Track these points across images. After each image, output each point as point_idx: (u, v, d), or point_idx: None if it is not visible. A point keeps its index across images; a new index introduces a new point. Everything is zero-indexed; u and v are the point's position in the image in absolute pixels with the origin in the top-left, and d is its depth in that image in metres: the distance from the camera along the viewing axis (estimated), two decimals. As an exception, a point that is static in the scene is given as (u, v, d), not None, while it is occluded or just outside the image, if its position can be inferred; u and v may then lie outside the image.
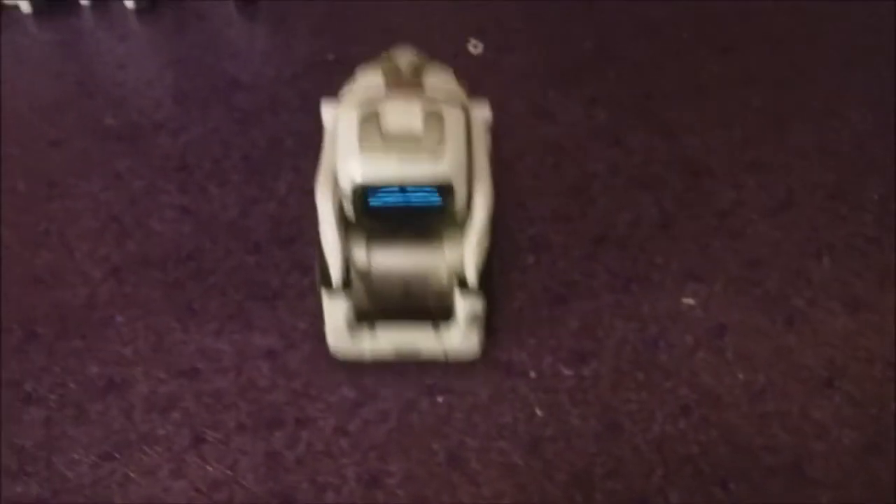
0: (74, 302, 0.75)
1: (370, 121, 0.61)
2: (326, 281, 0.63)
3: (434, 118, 0.61)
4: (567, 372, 0.68)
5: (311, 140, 0.88)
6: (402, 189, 0.60)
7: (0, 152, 0.88)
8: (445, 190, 0.60)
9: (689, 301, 0.73)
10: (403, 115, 0.62)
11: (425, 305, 0.66)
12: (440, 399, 0.66)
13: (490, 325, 0.67)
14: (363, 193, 0.61)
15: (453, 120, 0.62)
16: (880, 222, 0.79)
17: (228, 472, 0.63)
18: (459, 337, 0.66)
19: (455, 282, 0.64)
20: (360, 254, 0.65)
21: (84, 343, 0.71)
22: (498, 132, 0.72)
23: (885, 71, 0.96)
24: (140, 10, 1.07)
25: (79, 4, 1.08)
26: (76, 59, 1.03)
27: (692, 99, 0.93)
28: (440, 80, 0.66)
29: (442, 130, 0.60)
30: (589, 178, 0.84)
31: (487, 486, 0.61)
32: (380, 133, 0.60)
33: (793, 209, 0.81)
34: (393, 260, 0.65)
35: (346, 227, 0.63)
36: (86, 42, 1.05)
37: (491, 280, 0.64)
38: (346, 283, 0.64)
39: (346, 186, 0.61)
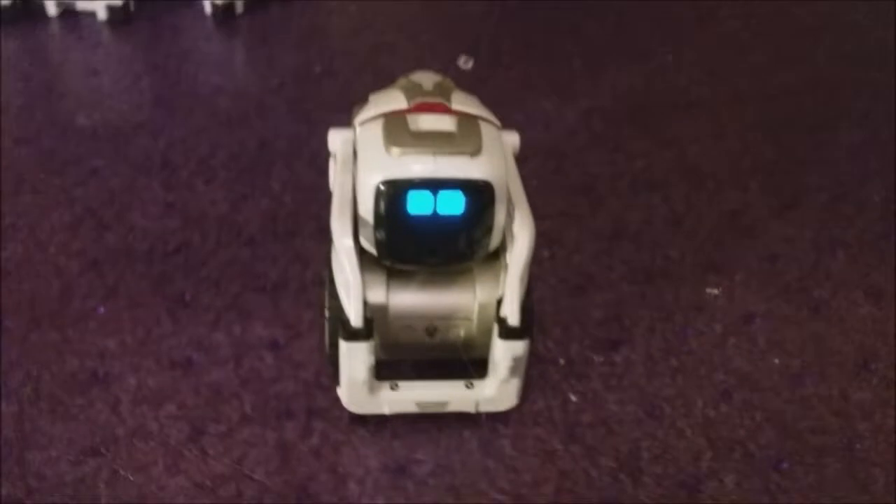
0: (48, 294, 0.67)
1: (397, 123, 0.54)
2: (344, 328, 0.53)
3: (468, 122, 0.54)
4: (598, 359, 0.64)
5: (304, 142, 0.85)
6: (434, 193, 0.51)
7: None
8: (481, 196, 0.52)
9: (714, 291, 0.70)
10: (433, 119, 0.54)
11: (451, 353, 0.58)
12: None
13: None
14: (390, 199, 0.51)
15: (489, 130, 0.55)
16: (885, 220, 0.79)
17: (236, 465, 0.56)
18: (495, 386, 0.57)
19: (493, 324, 0.56)
20: (377, 293, 0.55)
21: (60, 335, 0.64)
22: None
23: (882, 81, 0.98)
24: (113, 22, 1.02)
25: (46, 17, 1.03)
26: (45, 65, 0.97)
27: (685, 114, 0.93)
28: (468, 101, 0.58)
29: (479, 135, 0.53)
30: (593, 179, 0.83)
31: (528, 473, 0.56)
32: (409, 131, 0.53)
33: (799, 209, 0.80)
34: (416, 295, 0.56)
35: (362, 264, 0.54)
36: (55, 50, 1.00)
37: (531, 322, 0.55)
38: (368, 331, 0.54)
39: (369, 200, 0.52)
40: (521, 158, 0.65)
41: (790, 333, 0.67)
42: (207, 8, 1.05)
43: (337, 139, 0.63)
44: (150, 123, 0.87)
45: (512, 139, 0.62)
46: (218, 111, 0.89)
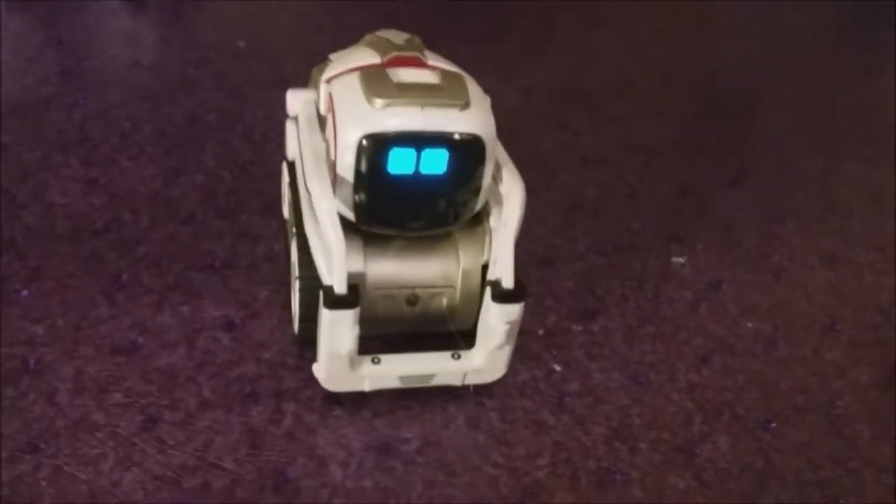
0: (-42, 279, 0.59)
1: (378, 75, 0.49)
2: (327, 295, 0.48)
3: (453, 76, 0.50)
4: (576, 328, 0.61)
5: (236, 117, 0.79)
6: (418, 150, 0.47)
7: None
8: (472, 150, 0.49)
9: (679, 260, 0.69)
10: (415, 72, 0.50)
11: (433, 325, 0.54)
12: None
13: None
14: (373, 155, 0.47)
15: (474, 86, 0.51)
16: (826, 191, 0.81)
17: (199, 454, 0.50)
18: (485, 356, 0.53)
19: (483, 290, 0.52)
20: (354, 261, 0.50)
21: (-24, 323, 0.56)
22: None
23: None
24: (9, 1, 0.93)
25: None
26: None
27: (624, 94, 0.93)
28: (441, 59, 0.54)
29: (466, 88, 0.49)
30: (545, 155, 0.81)
31: (521, 446, 0.52)
32: (392, 83, 0.48)
33: (746, 182, 0.81)
34: (395, 267, 0.52)
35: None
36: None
37: (523, 285, 0.52)
38: (354, 298, 0.48)
39: (349, 156, 0.47)
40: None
41: (757, 298, 0.67)
42: (113, -18, 0.97)
43: (297, 100, 0.58)
44: (60, 97, 0.78)
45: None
46: (137, 85, 0.82)
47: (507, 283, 0.50)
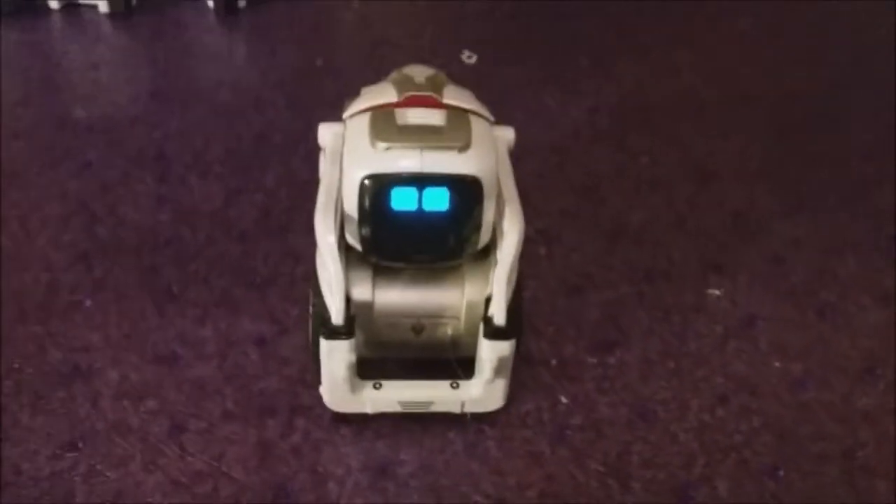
0: (35, 287, 0.66)
1: (384, 117, 0.52)
2: (325, 325, 0.52)
3: (458, 116, 0.52)
4: (591, 360, 0.62)
5: (300, 136, 0.84)
6: (420, 190, 0.50)
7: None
8: (470, 192, 0.51)
9: (715, 292, 0.68)
10: (422, 112, 0.52)
11: (437, 352, 0.56)
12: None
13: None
14: (375, 194, 0.50)
15: (480, 125, 0.53)
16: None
17: (214, 462, 0.54)
18: (482, 386, 0.55)
19: (481, 324, 0.54)
20: (363, 290, 0.54)
21: (44, 328, 0.63)
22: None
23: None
24: (114, 16, 1.01)
25: (48, 8, 1.02)
26: (44, 59, 0.96)
27: (692, 113, 0.91)
28: (460, 95, 0.56)
29: (468, 129, 0.51)
30: (596, 178, 0.81)
31: (512, 476, 0.54)
32: (396, 126, 0.51)
33: (807, 211, 0.78)
34: (402, 293, 0.55)
35: (348, 261, 0.53)
36: (55, 44, 0.99)
37: (520, 321, 0.54)
38: (349, 329, 0.52)
39: (353, 195, 0.51)
40: (523, 156, 0.63)
41: (793, 337, 0.65)
42: (210, 2, 1.04)
43: (327, 133, 0.61)
44: (146, 117, 0.86)
45: (507, 134, 0.60)
46: (216, 105, 0.88)
47: (499, 320, 0.52)
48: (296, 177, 0.79)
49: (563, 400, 0.59)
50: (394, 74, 0.59)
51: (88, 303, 0.65)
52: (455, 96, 0.56)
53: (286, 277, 0.68)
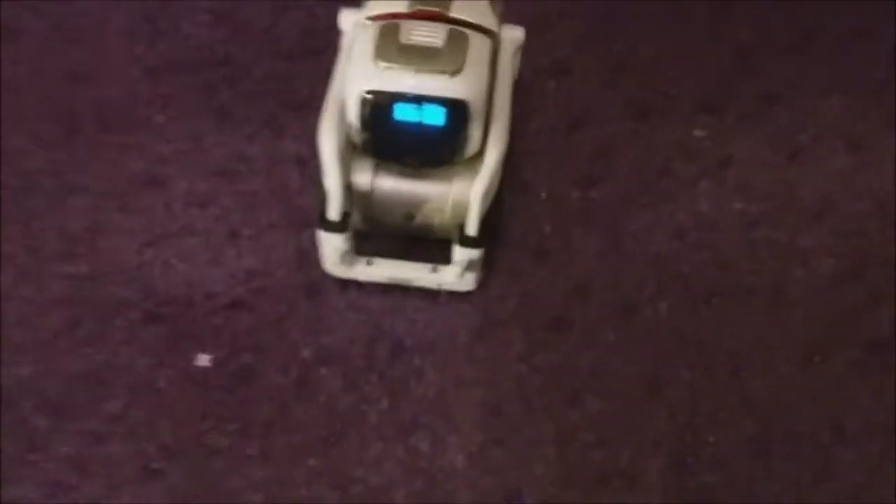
0: (114, 100, 0.78)
1: (389, 32, 0.59)
2: (322, 218, 0.62)
3: (458, 37, 0.60)
4: (576, 194, 0.73)
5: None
6: (419, 104, 0.59)
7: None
8: (458, 113, 0.59)
9: (700, 133, 0.76)
10: (425, 30, 0.60)
11: (426, 234, 0.66)
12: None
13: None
14: (373, 107, 0.59)
15: (478, 45, 0.60)
16: (894, 65, 0.81)
17: (262, 263, 0.69)
18: (455, 276, 0.66)
19: (455, 230, 0.63)
20: (364, 176, 0.63)
21: (125, 140, 0.76)
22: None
23: None
24: None
25: None
26: None
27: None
28: (469, 7, 0.63)
29: (465, 51, 0.59)
30: (614, 6, 0.85)
31: (495, 289, 0.68)
32: (397, 44, 0.59)
33: (807, 49, 0.82)
34: (398, 184, 0.64)
35: (353, 149, 0.62)
36: None
37: (496, 229, 0.64)
38: (344, 226, 0.62)
39: (355, 105, 0.60)
40: None
41: (760, 179, 0.74)
42: None
43: (348, 21, 0.68)
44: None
45: (515, 34, 0.67)
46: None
47: (471, 230, 0.62)
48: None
49: (547, 229, 0.71)
50: None
51: (159, 118, 0.77)
52: (463, 9, 0.62)
53: (320, 100, 0.77)
